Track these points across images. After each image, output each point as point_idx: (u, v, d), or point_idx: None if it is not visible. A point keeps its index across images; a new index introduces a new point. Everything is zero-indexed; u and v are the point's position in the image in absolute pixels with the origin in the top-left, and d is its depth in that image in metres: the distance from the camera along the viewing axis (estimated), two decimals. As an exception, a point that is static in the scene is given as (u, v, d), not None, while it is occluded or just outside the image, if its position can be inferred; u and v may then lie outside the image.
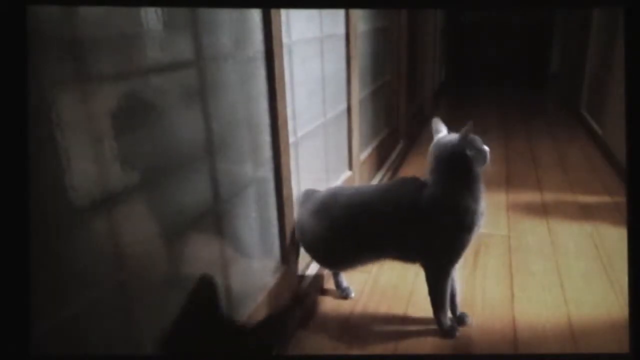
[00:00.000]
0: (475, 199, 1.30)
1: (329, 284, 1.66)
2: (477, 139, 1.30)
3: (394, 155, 2.86)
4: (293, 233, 1.47)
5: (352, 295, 1.59)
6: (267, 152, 1.31)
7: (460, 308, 1.48)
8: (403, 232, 1.35)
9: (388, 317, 1.49)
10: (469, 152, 1.28)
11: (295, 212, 1.50)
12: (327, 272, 1.67)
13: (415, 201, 1.32)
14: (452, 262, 1.36)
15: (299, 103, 1.53)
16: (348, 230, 1.40)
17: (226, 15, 1.07)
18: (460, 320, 1.46)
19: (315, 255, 1.52)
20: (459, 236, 1.32)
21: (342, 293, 1.60)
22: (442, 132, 1.40)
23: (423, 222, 1.32)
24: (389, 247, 1.40)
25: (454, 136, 1.32)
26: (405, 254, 1.41)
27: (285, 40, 1.34)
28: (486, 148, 1.31)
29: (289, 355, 1.35)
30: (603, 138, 3.05)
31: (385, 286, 1.65)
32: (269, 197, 1.34)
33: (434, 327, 1.43)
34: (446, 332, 1.41)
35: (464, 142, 1.28)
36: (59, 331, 0.69)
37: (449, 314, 1.44)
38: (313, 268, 1.66)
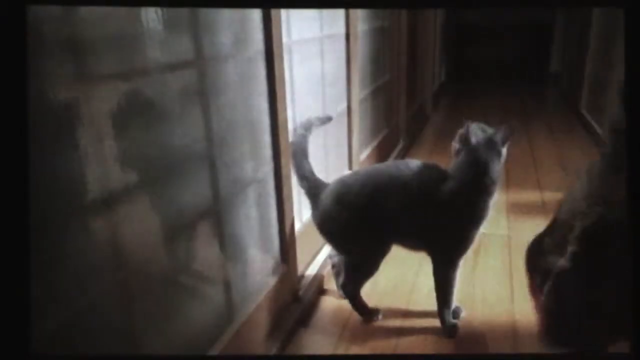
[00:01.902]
0: (490, 195, 1.33)
1: (329, 284, 1.66)
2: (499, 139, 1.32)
3: (394, 155, 2.86)
4: (292, 232, 1.47)
5: None
6: (267, 152, 1.31)
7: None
8: (420, 219, 1.35)
9: (388, 316, 1.49)
10: (504, 150, 1.32)
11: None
12: (327, 272, 1.67)
13: (436, 190, 1.32)
14: (460, 255, 1.39)
15: (299, 103, 1.53)
16: (368, 213, 1.36)
17: (226, 15, 1.07)
18: (454, 313, 1.46)
19: (335, 242, 1.48)
20: (471, 230, 1.35)
21: (370, 316, 1.52)
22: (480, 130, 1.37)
23: (441, 212, 1.33)
24: (404, 232, 1.40)
25: (490, 129, 1.34)
26: (415, 241, 1.42)
27: (285, 40, 1.34)
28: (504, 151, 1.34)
29: (289, 355, 1.35)
30: (603, 138, 3.05)
31: (385, 285, 1.65)
32: (269, 197, 1.34)
33: (434, 325, 1.43)
34: (448, 330, 1.41)
35: (502, 137, 1.31)
36: (59, 331, 0.69)
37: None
38: (313, 268, 1.67)
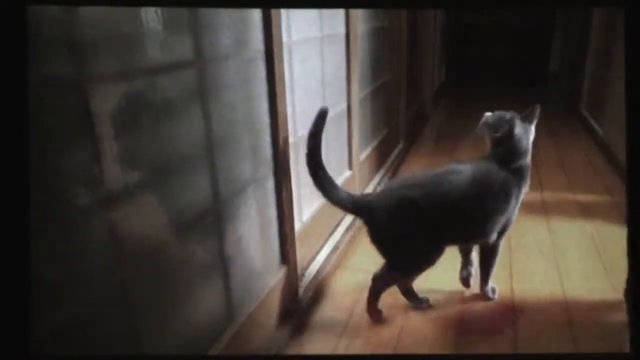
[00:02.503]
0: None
1: (329, 284, 1.66)
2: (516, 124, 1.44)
3: (394, 155, 2.86)
4: (292, 232, 1.46)
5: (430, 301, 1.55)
6: (267, 152, 1.31)
7: (460, 307, 1.51)
8: (483, 214, 1.42)
9: (388, 315, 1.49)
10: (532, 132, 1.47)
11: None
12: (327, 272, 1.67)
13: (493, 182, 1.41)
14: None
15: (299, 103, 1.53)
16: (434, 221, 1.37)
17: (226, 15, 1.07)
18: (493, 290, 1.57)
19: (392, 254, 1.43)
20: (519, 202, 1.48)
21: (421, 304, 1.54)
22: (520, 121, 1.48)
23: (501, 201, 1.42)
24: (463, 232, 1.46)
25: (514, 114, 1.47)
26: (473, 235, 1.48)
27: (285, 40, 1.34)
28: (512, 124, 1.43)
29: (289, 355, 1.35)
30: (603, 138, 3.05)
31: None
32: (269, 197, 1.34)
33: (434, 323, 1.43)
34: (491, 291, 1.57)
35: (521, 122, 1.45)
36: (59, 331, 0.69)
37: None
38: (313, 268, 1.67)
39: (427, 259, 1.42)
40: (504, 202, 1.42)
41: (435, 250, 1.41)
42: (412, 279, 1.51)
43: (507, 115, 1.46)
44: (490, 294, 1.56)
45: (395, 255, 1.43)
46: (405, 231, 1.38)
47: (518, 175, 1.44)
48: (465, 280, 1.59)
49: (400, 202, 1.37)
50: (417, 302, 1.53)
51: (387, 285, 1.48)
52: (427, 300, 1.54)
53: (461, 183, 1.38)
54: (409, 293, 1.53)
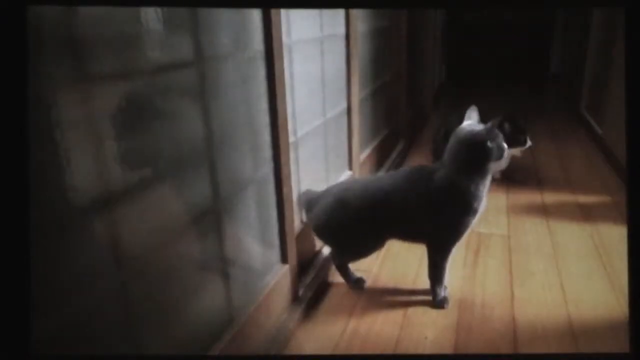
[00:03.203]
0: (484, 185, 1.41)
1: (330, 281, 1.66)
2: (500, 135, 1.40)
3: (394, 155, 2.86)
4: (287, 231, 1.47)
5: (366, 284, 1.65)
6: (267, 152, 1.31)
7: (460, 307, 1.50)
8: (416, 214, 1.44)
9: (388, 314, 1.49)
10: (489, 144, 1.37)
11: (300, 212, 1.61)
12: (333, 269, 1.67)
13: (428, 185, 1.41)
14: (454, 242, 1.47)
15: (299, 103, 1.53)
16: (368, 218, 1.48)
17: (226, 15, 1.07)
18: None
19: (338, 246, 1.60)
20: (464, 218, 1.41)
21: (356, 284, 1.63)
22: (471, 120, 1.48)
23: (434, 204, 1.41)
24: (402, 229, 1.51)
25: (480, 126, 1.41)
26: (413, 234, 1.52)
27: (285, 40, 1.34)
28: (505, 146, 1.40)
29: (289, 355, 1.35)
30: (603, 138, 3.05)
31: (387, 281, 1.65)
32: (269, 197, 1.34)
33: (433, 322, 1.43)
34: (439, 302, 1.51)
35: (489, 133, 1.37)
36: (59, 331, 0.69)
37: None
38: (313, 268, 1.67)
39: (361, 249, 1.57)
40: (437, 209, 1.41)
41: (369, 242, 1.54)
42: (350, 261, 1.63)
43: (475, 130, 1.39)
44: (434, 301, 1.53)
45: (332, 245, 1.61)
46: (337, 225, 1.52)
47: (467, 190, 1.38)
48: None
49: (334, 202, 1.51)
50: (348, 281, 1.63)
51: (345, 263, 1.62)
52: (360, 282, 1.62)
53: (393, 186, 1.46)
54: (342, 271, 1.63)
